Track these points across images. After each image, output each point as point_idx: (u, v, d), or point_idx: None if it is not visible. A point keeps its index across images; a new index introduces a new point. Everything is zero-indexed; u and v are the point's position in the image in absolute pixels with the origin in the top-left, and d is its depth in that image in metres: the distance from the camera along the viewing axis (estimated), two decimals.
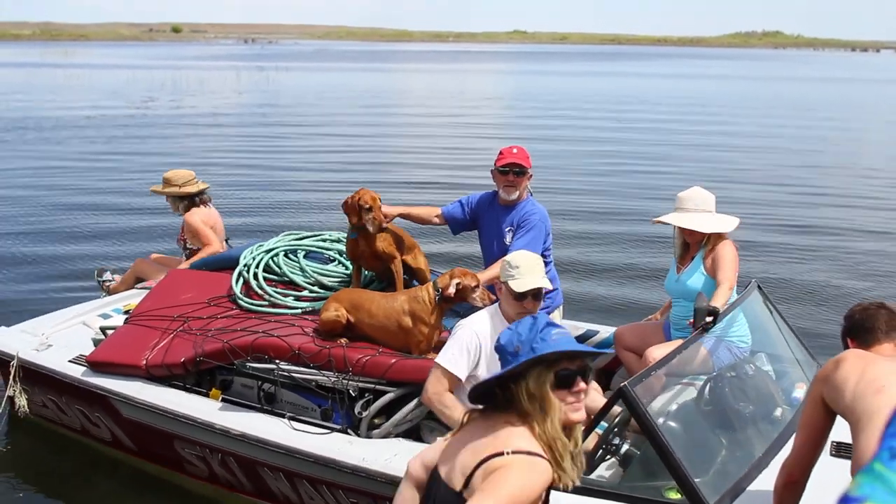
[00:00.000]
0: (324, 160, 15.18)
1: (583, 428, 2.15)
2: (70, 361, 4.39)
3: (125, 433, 4.31)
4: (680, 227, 4.04)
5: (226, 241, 5.85)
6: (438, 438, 2.36)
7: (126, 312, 4.85)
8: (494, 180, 4.42)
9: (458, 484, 2.00)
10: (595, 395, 3.60)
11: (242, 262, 4.67)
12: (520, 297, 3.38)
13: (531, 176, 4.39)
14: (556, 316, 4.50)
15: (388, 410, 3.70)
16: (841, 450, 3.15)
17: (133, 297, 5.17)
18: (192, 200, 5.67)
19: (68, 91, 31.18)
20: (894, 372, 2.44)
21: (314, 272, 4.60)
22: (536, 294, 3.41)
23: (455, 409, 3.38)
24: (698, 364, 3.65)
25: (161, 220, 9.39)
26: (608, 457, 3.23)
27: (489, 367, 3.41)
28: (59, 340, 4.66)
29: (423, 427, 3.74)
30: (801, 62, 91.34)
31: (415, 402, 3.63)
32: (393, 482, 3.31)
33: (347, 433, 3.68)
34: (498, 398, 2.07)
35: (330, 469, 3.53)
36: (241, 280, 4.59)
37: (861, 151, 18.09)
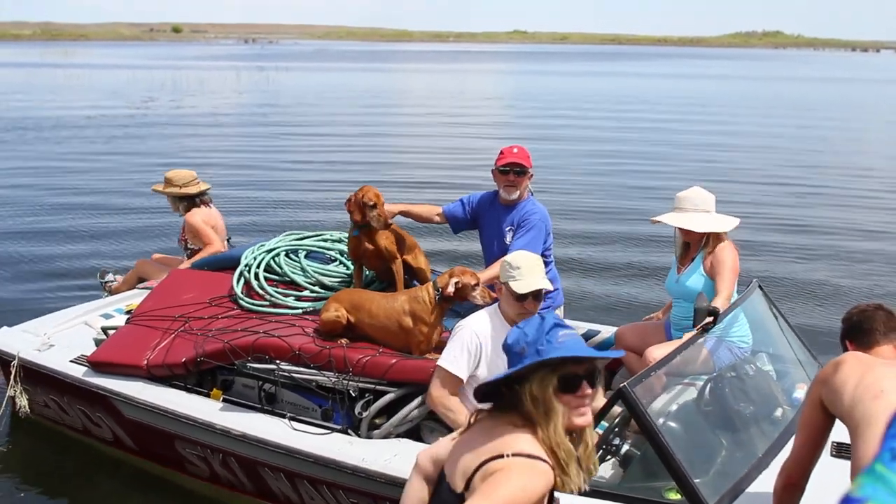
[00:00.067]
0: (324, 160, 15.18)
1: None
2: (72, 361, 4.39)
3: (126, 433, 4.31)
4: (680, 228, 4.04)
5: (227, 240, 5.85)
6: (444, 437, 2.34)
7: (128, 312, 4.85)
8: (495, 180, 4.42)
9: (459, 485, 1.99)
10: (597, 395, 3.60)
11: (244, 261, 4.68)
12: (520, 298, 3.38)
13: (532, 176, 4.40)
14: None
15: (389, 411, 3.70)
16: (841, 450, 3.15)
17: (135, 297, 5.17)
18: (192, 201, 5.68)
19: (68, 91, 31.19)
20: (893, 376, 2.42)
21: (315, 272, 4.61)
22: (537, 295, 3.41)
23: (459, 412, 3.39)
24: (699, 364, 3.65)
25: (162, 220, 9.40)
26: (608, 457, 3.23)
27: (489, 368, 3.41)
28: (61, 340, 4.66)
29: (423, 427, 3.74)
30: (801, 62, 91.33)
31: (416, 401, 3.63)
32: (393, 482, 3.32)
33: (348, 433, 3.69)
34: (503, 398, 2.04)
35: (330, 469, 3.53)
36: (243, 280, 4.60)
37: (861, 151, 18.09)
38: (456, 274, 3.84)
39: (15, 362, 4.49)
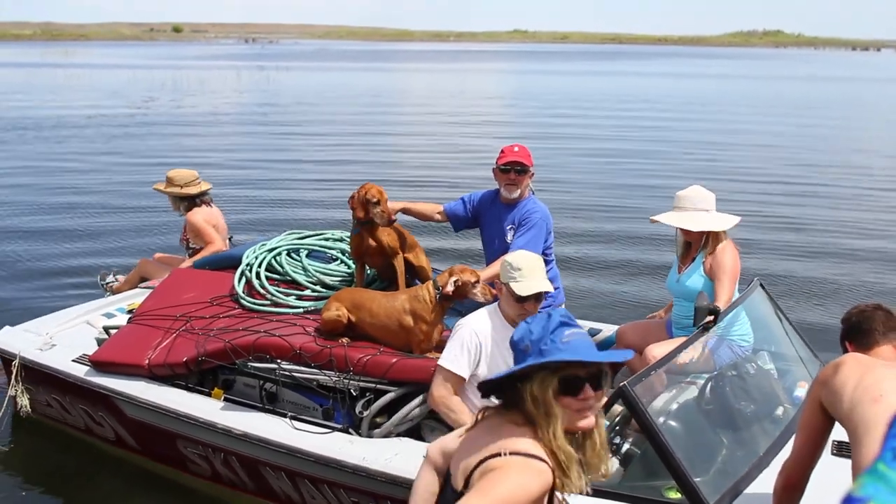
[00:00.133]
0: (325, 159, 15.19)
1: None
2: (74, 361, 4.40)
3: (128, 432, 4.32)
4: (678, 227, 4.04)
5: (229, 239, 5.86)
6: (453, 432, 2.33)
7: (130, 312, 4.86)
8: (496, 178, 4.43)
9: (459, 483, 1.99)
10: (603, 397, 3.59)
11: (245, 261, 4.68)
12: (521, 300, 3.38)
13: (533, 174, 4.40)
14: None
15: (390, 410, 3.70)
16: (842, 449, 3.14)
17: (137, 297, 5.17)
18: (192, 201, 5.68)
19: (69, 91, 31.19)
20: (892, 378, 2.40)
21: (316, 271, 4.61)
22: (538, 297, 3.41)
23: (460, 411, 3.39)
24: (699, 363, 3.65)
25: (163, 219, 9.41)
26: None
27: (489, 367, 3.41)
28: (63, 340, 4.67)
29: (424, 427, 3.74)
30: (801, 61, 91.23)
31: (417, 400, 3.63)
32: (394, 481, 3.33)
33: (349, 433, 3.69)
34: (507, 395, 2.03)
35: (331, 468, 3.54)
36: (244, 279, 4.60)
37: (861, 150, 18.07)
38: (455, 272, 3.85)
39: (16, 362, 4.50)
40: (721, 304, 3.64)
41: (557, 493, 1.96)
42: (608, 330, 4.68)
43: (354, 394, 3.73)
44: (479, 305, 3.73)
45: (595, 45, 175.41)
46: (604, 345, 4.55)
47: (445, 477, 2.15)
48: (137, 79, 39.26)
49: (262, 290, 4.49)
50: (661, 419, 3.13)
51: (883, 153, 17.58)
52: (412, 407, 3.64)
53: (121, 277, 5.96)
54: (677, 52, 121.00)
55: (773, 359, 3.92)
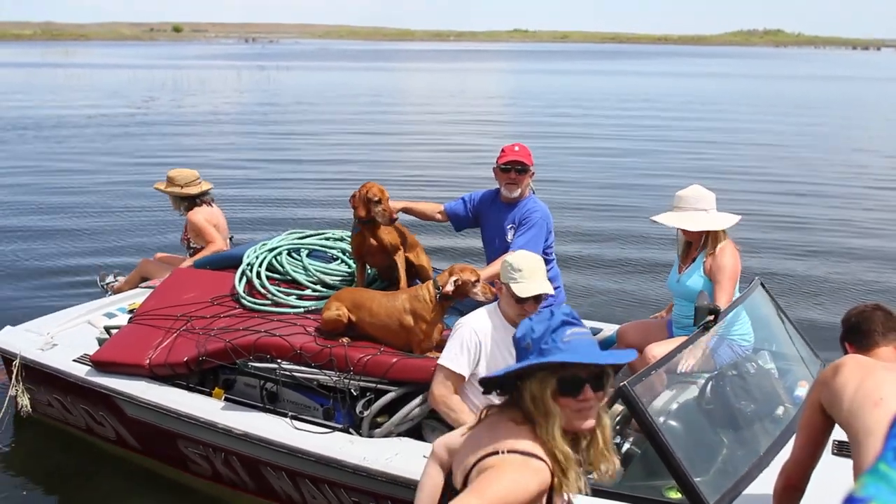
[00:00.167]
0: (325, 158, 15.19)
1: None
2: (75, 361, 4.40)
3: (129, 432, 4.32)
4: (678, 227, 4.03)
5: (230, 238, 5.86)
6: (457, 430, 2.33)
7: (131, 311, 4.86)
8: (496, 178, 4.43)
9: (458, 481, 1.98)
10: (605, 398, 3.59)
11: (246, 260, 4.68)
12: (521, 301, 3.38)
13: (533, 174, 4.40)
14: None
15: (390, 409, 3.70)
16: (842, 448, 3.13)
17: (138, 297, 5.17)
18: (193, 201, 5.68)
19: (69, 91, 31.19)
20: (892, 381, 2.39)
21: (317, 271, 4.61)
22: (538, 298, 3.41)
23: (461, 411, 3.39)
24: (700, 362, 3.65)
25: (163, 218, 9.41)
26: None
27: (489, 366, 3.41)
28: (64, 340, 4.67)
29: (424, 426, 3.74)
30: (802, 60, 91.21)
31: (417, 400, 3.63)
32: (394, 481, 3.33)
33: (349, 432, 3.69)
34: (508, 393, 2.02)
35: (332, 468, 3.54)
36: (245, 279, 4.60)
37: (861, 149, 18.06)
38: (455, 272, 3.84)
39: (17, 361, 4.50)
40: (721, 306, 3.64)
41: (563, 494, 1.95)
42: (609, 329, 4.68)
43: (355, 393, 3.73)
44: (479, 304, 3.73)
45: (595, 45, 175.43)
46: (604, 344, 4.54)
47: (448, 474, 2.15)
48: (137, 79, 39.26)
49: (262, 290, 4.49)
50: (662, 419, 3.12)
51: (883, 153, 17.57)
52: (413, 406, 3.64)
53: (121, 278, 5.96)
54: (677, 52, 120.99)
55: (773, 358, 3.92)
